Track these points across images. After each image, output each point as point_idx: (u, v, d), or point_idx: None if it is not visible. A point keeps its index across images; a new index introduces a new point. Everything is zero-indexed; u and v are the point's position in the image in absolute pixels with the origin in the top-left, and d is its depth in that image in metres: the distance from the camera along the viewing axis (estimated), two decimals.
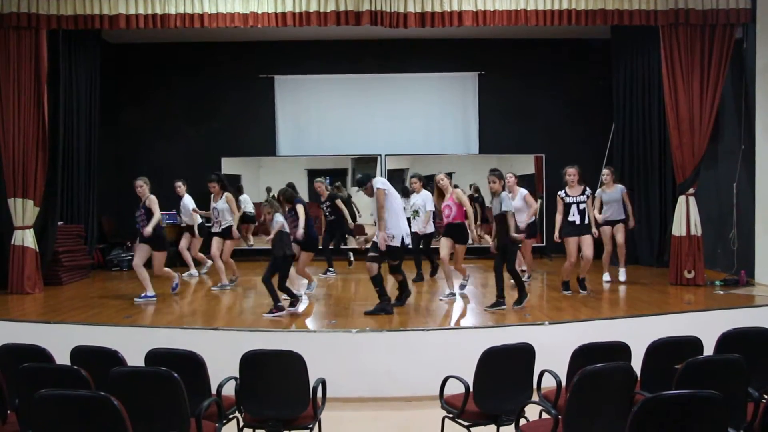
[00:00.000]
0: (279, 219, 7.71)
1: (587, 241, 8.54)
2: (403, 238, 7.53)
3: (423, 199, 9.60)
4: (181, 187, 10.34)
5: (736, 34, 9.46)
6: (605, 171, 9.57)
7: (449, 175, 9.17)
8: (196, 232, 10.50)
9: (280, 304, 7.57)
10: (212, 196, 9.75)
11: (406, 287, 8.04)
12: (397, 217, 7.56)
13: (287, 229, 7.81)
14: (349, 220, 10.56)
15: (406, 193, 10.37)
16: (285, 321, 7.39)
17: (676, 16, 9.23)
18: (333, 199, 10.41)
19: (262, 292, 7.99)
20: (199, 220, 10.47)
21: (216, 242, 9.58)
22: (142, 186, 8.58)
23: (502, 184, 7.69)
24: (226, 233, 9.56)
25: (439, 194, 8.61)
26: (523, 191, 9.29)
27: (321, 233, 10.62)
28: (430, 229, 9.76)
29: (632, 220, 9.53)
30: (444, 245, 8.38)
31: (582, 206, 8.52)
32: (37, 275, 9.40)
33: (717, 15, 9.19)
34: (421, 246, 9.80)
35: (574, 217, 8.51)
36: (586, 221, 8.56)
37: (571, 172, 8.58)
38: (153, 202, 8.49)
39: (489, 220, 9.94)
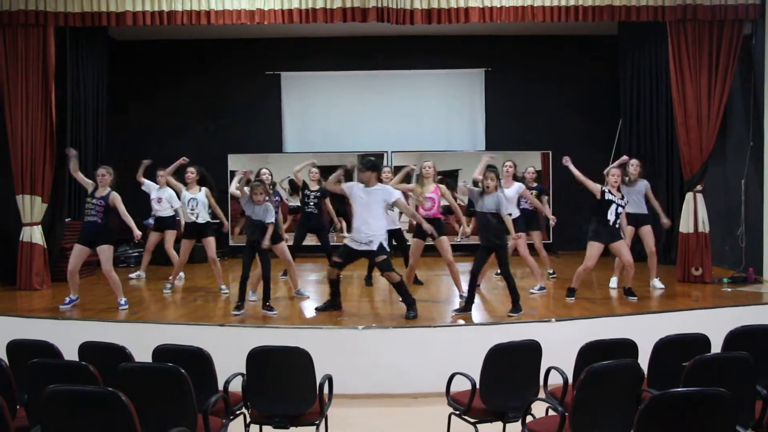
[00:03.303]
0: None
1: (622, 247, 7.97)
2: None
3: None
4: (162, 176, 9.81)
5: (745, 29, 9.43)
6: (634, 162, 8.75)
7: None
8: (182, 224, 9.77)
9: (268, 304, 7.55)
10: (187, 185, 8.98)
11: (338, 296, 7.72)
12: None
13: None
14: (335, 219, 9.99)
15: None
16: (292, 317, 7.42)
17: (684, 11, 9.21)
18: (324, 194, 9.68)
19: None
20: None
21: (208, 243, 8.95)
22: (105, 176, 7.77)
23: (497, 184, 7.43)
24: (208, 229, 8.93)
25: (421, 183, 8.21)
26: (520, 185, 8.91)
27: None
28: (396, 225, 9.28)
29: (664, 217, 8.77)
30: (446, 248, 8.07)
31: (619, 209, 7.85)
32: (45, 271, 9.45)
33: (725, 11, 9.16)
34: (394, 243, 9.38)
35: (612, 216, 7.80)
36: (618, 225, 7.92)
37: (615, 173, 7.97)
38: (119, 199, 7.78)
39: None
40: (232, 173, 12.47)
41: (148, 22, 9.29)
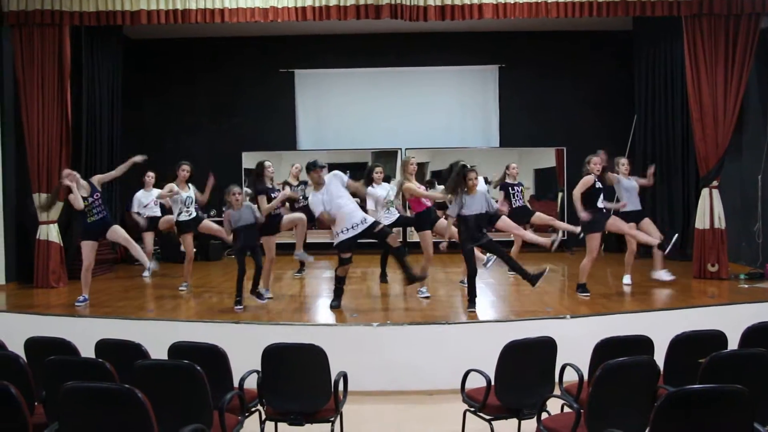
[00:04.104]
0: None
1: (617, 221, 8.03)
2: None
3: (389, 188, 9.06)
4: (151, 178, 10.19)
5: (762, 23, 9.33)
6: (624, 161, 8.84)
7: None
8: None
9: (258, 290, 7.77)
10: (177, 181, 8.88)
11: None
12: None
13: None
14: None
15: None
16: (306, 315, 7.44)
17: (700, 6, 9.14)
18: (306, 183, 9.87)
19: (283, 287, 8.04)
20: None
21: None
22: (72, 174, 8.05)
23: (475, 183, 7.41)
24: (199, 221, 9.01)
25: (408, 180, 8.22)
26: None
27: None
28: (392, 218, 9.10)
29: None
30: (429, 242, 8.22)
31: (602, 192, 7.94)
32: (62, 269, 9.53)
33: (742, 4, 9.08)
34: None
35: (603, 203, 7.88)
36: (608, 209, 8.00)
37: (596, 161, 7.94)
38: (99, 177, 8.29)
39: None
40: (247, 171, 12.64)
41: (162, 21, 9.34)
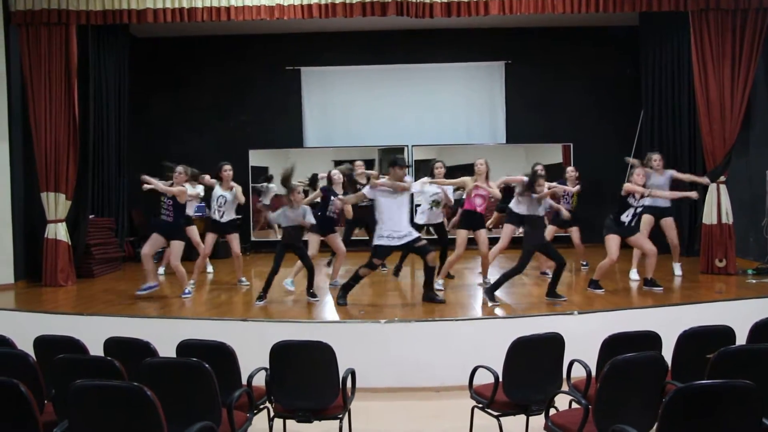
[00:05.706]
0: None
1: (641, 239, 8.04)
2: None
3: (442, 187, 9.06)
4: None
5: None
6: (656, 156, 8.76)
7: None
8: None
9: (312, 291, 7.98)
10: (220, 183, 9.10)
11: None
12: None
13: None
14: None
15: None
16: (314, 312, 7.46)
17: (707, 0, 9.09)
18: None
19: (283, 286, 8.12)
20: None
21: (212, 238, 9.05)
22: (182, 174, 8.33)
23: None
24: (231, 227, 9.16)
25: (474, 180, 8.35)
26: None
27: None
28: (440, 218, 9.24)
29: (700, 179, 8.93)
30: (485, 240, 8.42)
31: (639, 209, 7.89)
32: (70, 268, 9.57)
33: None
34: (433, 237, 9.39)
35: (627, 217, 7.87)
36: (634, 224, 7.92)
37: (640, 173, 7.87)
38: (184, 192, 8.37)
39: None
40: (254, 169, 12.67)
41: (168, 19, 9.36)
